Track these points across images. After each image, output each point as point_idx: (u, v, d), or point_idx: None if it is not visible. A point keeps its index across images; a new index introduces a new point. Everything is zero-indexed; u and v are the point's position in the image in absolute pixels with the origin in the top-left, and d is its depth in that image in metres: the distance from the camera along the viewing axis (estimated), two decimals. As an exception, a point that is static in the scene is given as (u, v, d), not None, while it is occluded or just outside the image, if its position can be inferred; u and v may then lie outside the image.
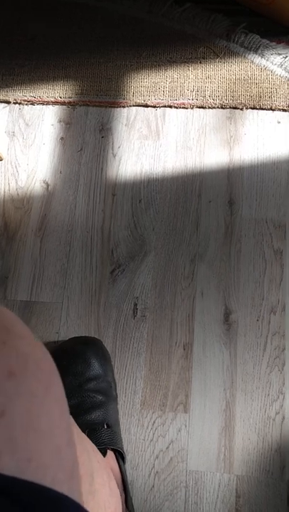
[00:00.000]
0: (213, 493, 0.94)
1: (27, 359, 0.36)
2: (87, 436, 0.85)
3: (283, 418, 0.98)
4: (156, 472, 0.95)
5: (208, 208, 1.12)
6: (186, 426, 0.98)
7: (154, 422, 0.99)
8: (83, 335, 1.05)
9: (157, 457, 0.96)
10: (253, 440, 0.97)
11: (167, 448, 0.97)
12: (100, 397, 0.92)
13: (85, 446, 0.70)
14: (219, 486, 0.95)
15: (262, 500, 0.93)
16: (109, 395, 0.95)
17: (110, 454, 0.88)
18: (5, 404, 0.32)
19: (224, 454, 0.96)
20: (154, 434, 0.98)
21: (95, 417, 0.90)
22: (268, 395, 0.99)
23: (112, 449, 0.88)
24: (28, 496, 0.29)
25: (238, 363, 1.01)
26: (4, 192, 1.16)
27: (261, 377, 1.00)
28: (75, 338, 1.01)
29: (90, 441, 0.78)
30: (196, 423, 0.98)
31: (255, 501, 0.93)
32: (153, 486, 0.95)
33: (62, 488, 0.33)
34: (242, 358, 1.02)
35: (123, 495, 0.86)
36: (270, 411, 0.98)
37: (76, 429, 0.69)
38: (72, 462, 0.37)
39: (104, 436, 0.87)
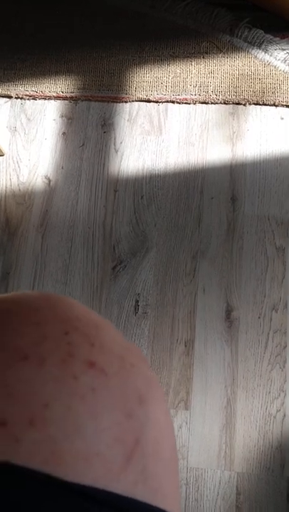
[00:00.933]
0: (214, 490, 0.94)
1: (151, 383, 0.35)
2: None
3: (284, 415, 0.98)
4: (157, 469, 0.96)
5: (210, 205, 1.11)
6: (186, 423, 0.98)
7: (155, 418, 0.99)
8: None
9: (158, 454, 0.96)
10: (254, 437, 0.97)
11: (168, 445, 0.97)
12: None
13: None
14: (220, 483, 0.95)
15: (262, 497, 0.94)
16: None
17: None
18: (138, 430, 0.32)
19: (225, 451, 0.96)
20: (154, 430, 0.98)
21: None
22: (269, 392, 0.99)
23: None
24: None
25: (239, 360, 1.01)
26: (6, 187, 1.16)
27: (262, 374, 1.00)
28: None
29: None
30: (196, 420, 0.98)
31: (256, 498, 0.94)
32: (154, 483, 0.95)
33: None
34: (243, 355, 1.02)
35: None
36: (271, 408, 0.98)
37: None
38: (180, 491, 0.37)
39: None
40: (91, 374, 0.32)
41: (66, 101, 1.22)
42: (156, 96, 1.19)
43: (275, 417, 0.98)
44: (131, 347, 0.37)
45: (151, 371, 0.38)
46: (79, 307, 0.37)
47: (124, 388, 0.32)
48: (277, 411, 0.98)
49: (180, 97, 1.18)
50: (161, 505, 0.31)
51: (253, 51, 1.19)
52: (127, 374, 0.33)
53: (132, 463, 0.30)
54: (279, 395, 0.99)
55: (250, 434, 0.97)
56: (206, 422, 0.98)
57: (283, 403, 0.99)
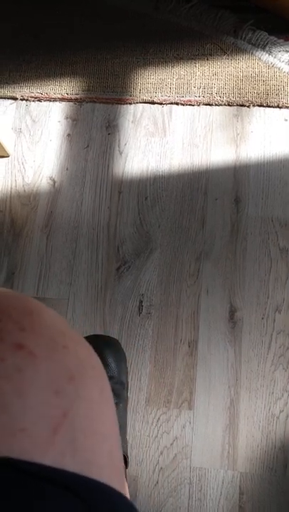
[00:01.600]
0: (217, 489, 0.95)
1: (85, 364, 0.37)
2: None
3: (287, 416, 0.98)
4: (161, 468, 0.96)
5: (214, 206, 1.12)
6: (190, 423, 0.99)
7: (158, 418, 0.99)
8: (101, 334, 1.05)
9: (162, 453, 0.97)
10: (257, 438, 0.98)
11: (171, 444, 0.98)
12: (114, 398, 0.93)
13: None
14: (223, 482, 0.95)
15: (265, 497, 0.94)
16: (121, 396, 0.96)
17: None
18: (67, 406, 0.33)
19: (228, 451, 0.97)
20: (158, 430, 0.98)
21: None
22: (272, 393, 1.00)
23: None
24: (92, 492, 0.31)
25: (242, 361, 1.02)
26: (11, 188, 1.17)
27: (266, 375, 1.01)
28: (96, 335, 1.02)
29: None
30: (200, 420, 0.99)
31: (259, 498, 0.94)
32: (157, 482, 0.95)
33: (116, 487, 0.34)
34: (246, 355, 1.02)
35: None
36: (275, 409, 0.99)
37: None
38: (121, 464, 0.38)
39: None
40: (19, 356, 0.33)
41: (71, 103, 1.23)
42: (160, 98, 1.19)
43: (278, 418, 0.98)
44: (68, 332, 0.39)
45: (91, 355, 0.40)
46: (20, 298, 0.39)
47: (54, 369, 0.34)
48: (281, 411, 0.99)
49: (184, 98, 1.19)
50: (94, 476, 0.32)
51: (257, 53, 1.20)
52: (58, 356, 0.35)
53: (58, 435, 0.31)
54: (282, 395, 0.99)
55: (253, 434, 0.98)
56: (210, 422, 0.99)
57: (286, 403, 0.99)
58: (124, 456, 0.90)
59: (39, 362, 0.34)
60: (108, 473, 0.34)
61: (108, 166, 1.17)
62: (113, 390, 0.94)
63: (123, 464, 0.39)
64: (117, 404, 0.93)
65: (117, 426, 0.40)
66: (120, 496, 0.34)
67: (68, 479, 0.30)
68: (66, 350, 0.36)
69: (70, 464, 0.31)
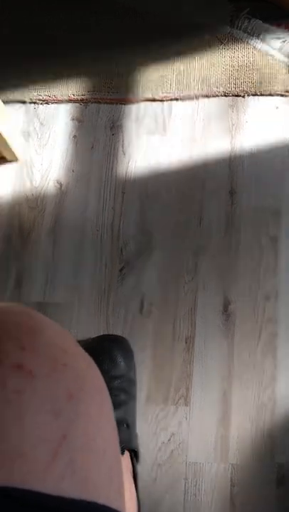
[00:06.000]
0: (211, 483, 0.96)
1: (84, 380, 0.37)
2: None
3: (275, 403, 0.98)
4: (159, 464, 0.98)
5: (211, 200, 1.11)
6: (186, 418, 1.00)
7: (156, 415, 1.01)
8: (108, 333, 1.07)
9: (160, 450, 0.99)
10: (247, 428, 0.98)
11: (169, 440, 0.99)
12: (123, 396, 0.94)
13: None
14: (216, 476, 0.96)
15: (254, 487, 0.95)
16: (131, 393, 0.97)
17: (126, 453, 0.91)
18: (66, 427, 0.33)
19: (220, 444, 0.98)
20: (156, 427, 1.00)
21: (117, 416, 0.91)
22: (262, 382, 1.00)
23: (128, 449, 0.91)
24: None
25: (235, 353, 1.02)
26: (19, 192, 1.20)
27: (256, 365, 1.01)
28: (103, 335, 1.04)
29: None
30: (196, 415, 1.00)
31: (248, 490, 0.95)
32: (155, 479, 0.98)
33: (114, 505, 0.34)
34: (239, 347, 1.02)
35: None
36: (264, 397, 0.99)
37: None
38: (120, 479, 0.38)
39: (124, 436, 0.89)
40: (17, 376, 0.33)
41: (77, 104, 1.25)
42: (160, 95, 1.19)
43: (266, 406, 0.99)
44: (69, 348, 0.38)
45: (90, 368, 0.39)
46: (22, 314, 0.38)
47: (52, 388, 0.34)
48: (269, 399, 0.99)
49: (184, 93, 1.18)
50: (91, 496, 0.32)
51: (252, 42, 1.17)
52: (57, 374, 0.35)
53: (57, 458, 0.31)
54: (270, 383, 0.99)
55: (244, 425, 0.98)
56: (204, 416, 1.00)
57: (274, 391, 0.99)
58: (134, 451, 0.93)
59: (37, 382, 0.34)
60: (106, 493, 0.34)
61: (112, 167, 1.19)
62: (123, 388, 0.95)
63: (122, 480, 0.40)
64: (125, 401, 0.94)
65: (117, 439, 0.40)
66: None
67: (66, 507, 0.30)
68: (65, 367, 0.36)
69: (69, 486, 0.31)
